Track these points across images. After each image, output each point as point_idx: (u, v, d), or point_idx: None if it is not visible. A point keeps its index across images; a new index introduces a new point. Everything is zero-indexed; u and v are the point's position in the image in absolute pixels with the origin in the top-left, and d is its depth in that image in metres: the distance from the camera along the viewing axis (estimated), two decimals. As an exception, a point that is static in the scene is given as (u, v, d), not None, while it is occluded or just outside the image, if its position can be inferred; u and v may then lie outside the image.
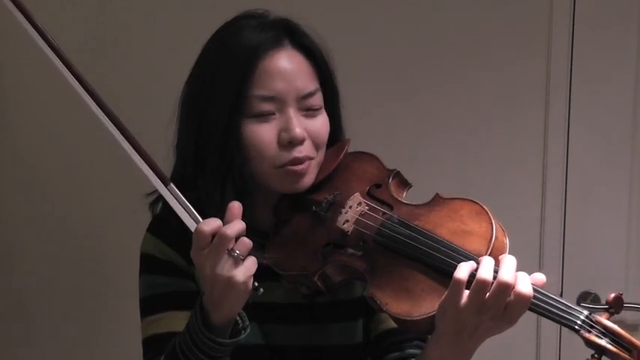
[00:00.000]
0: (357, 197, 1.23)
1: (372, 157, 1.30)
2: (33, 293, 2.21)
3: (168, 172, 1.28)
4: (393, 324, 1.14)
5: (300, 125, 1.20)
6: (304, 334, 1.27)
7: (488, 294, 1.02)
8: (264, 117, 1.19)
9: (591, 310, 1.05)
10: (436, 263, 1.09)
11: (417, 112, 1.98)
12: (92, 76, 2.20)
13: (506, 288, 1.02)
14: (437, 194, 1.20)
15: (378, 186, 1.25)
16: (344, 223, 1.20)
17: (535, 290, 1.04)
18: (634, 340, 1.01)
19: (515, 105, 1.95)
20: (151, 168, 1.11)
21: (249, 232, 1.20)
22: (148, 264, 1.27)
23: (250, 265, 1.08)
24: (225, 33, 1.25)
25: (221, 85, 1.20)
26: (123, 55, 2.07)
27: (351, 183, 1.27)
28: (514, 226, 1.89)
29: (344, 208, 1.22)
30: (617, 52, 1.89)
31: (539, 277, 1.07)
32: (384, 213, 1.19)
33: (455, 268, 1.05)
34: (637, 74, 1.89)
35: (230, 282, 1.06)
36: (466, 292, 1.03)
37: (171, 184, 1.11)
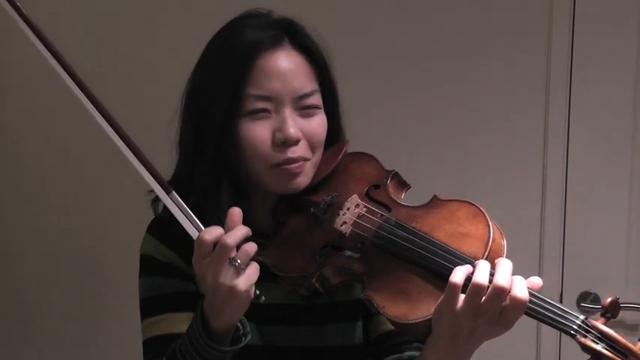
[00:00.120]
0: (354, 199, 1.23)
1: (371, 158, 1.30)
2: (33, 293, 2.21)
3: (170, 169, 1.29)
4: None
5: (294, 125, 1.19)
6: (303, 336, 1.27)
7: (484, 298, 1.02)
8: (259, 116, 1.20)
9: (587, 315, 1.04)
10: (433, 266, 1.09)
11: (416, 112, 1.98)
12: (93, 76, 2.20)
13: (501, 292, 1.02)
14: (434, 196, 1.20)
15: (376, 187, 1.25)
16: (342, 225, 1.20)
17: (531, 294, 1.04)
18: (630, 345, 1.01)
19: (515, 105, 1.95)
20: (153, 175, 1.11)
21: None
22: (148, 265, 1.27)
23: (252, 273, 1.08)
24: (227, 32, 1.25)
25: (219, 83, 1.20)
26: (123, 56, 2.07)
27: (350, 184, 1.26)
28: (514, 226, 1.91)
29: (342, 209, 1.22)
30: (617, 52, 1.88)
31: (536, 281, 1.07)
32: (381, 215, 1.19)
33: (451, 271, 1.04)
34: (637, 74, 1.89)
35: (232, 291, 1.06)
36: (462, 296, 1.03)
37: (173, 192, 1.10)
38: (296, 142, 1.20)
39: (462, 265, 1.05)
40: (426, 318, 1.06)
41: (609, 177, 1.92)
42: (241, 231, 1.08)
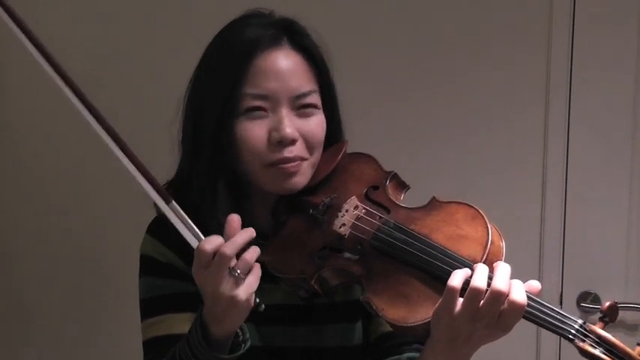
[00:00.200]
0: (353, 200, 1.23)
1: (370, 159, 1.30)
2: (33, 293, 2.21)
3: (172, 169, 1.29)
4: None
5: (291, 125, 1.19)
6: (302, 336, 1.27)
7: (482, 302, 1.02)
8: (256, 115, 1.19)
9: (587, 317, 1.04)
10: (431, 269, 1.09)
11: (416, 112, 1.98)
12: (93, 77, 2.20)
13: (499, 296, 1.02)
14: (433, 197, 1.20)
15: (375, 188, 1.25)
16: (340, 227, 1.20)
17: (529, 298, 1.04)
18: (628, 349, 1.01)
19: (515, 105, 1.95)
20: (152, 185, 1.10)
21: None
22: (147, 266, 1.27)
23: (252, 282, 1.07)
24: (228, 31, 1.26)
25: (217, 82, 1.20)
26: (124, 56, 2.07)
27: (349, 185, 1.26)
28: (514, 226, 1.93)
29: (340, 211, 1.22)
30: (617, 52, 1.88)
31: (534, 285, 1.07)
32: (380, 217, 1.18)
33: (450, 274, 1.04)
34: (637, 74, 1.89)
35: (232, 301, 1.06)
36: (460, 300, 1.03)
37: (173, 202, 1.09)
38: (292, 141, 1.20)
39: (460, 268, 1.05)
40: (425, 321, 1.06)
41: (609, 177, 1.92)
42: (241, 239, 1.07)
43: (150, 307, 1.25)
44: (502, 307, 1.02)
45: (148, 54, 2.04)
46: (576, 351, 1.03)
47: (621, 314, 1.91)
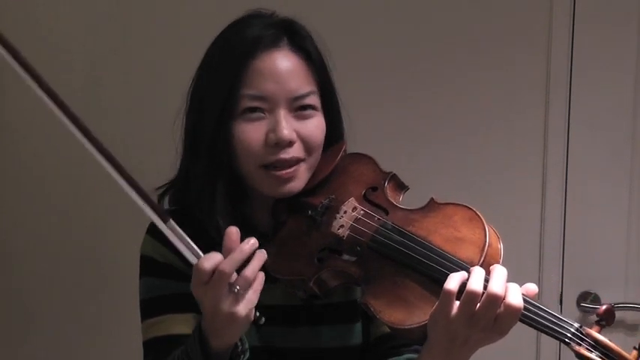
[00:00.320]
0: (352, 202, 1.23)
1: (369, 160, 1.29)
2: (33, 293, 2.21)
3: (171, 169, 1.29)
4: None
5: (288, 127, 1.19)
6: (302, 337, 1.27)
7: (478, 305, 1.02)
8: (253, 116, 1.20)
9: (583, 322, 1.05)
10: (429, 272, 1.09)
11: (416, 112, 1.97)
12: (93, 77, 2.20)
13: (496, 300, 1.01)
14: (432, 199, 1.20)
15: (374, 189, 1.24)
16: (339, 229, 1.20)
17: (526, 301, 1.04)
18: (624, 353, 1.01)
19: (515, 105, 1.95)
20: (149, 205, 1.08)
21: (248, 233, 1.20)
22: (147, 266, 1.27)
23: (253, 298, 1.06)
24: (229, 32, 1.26)
25: (216, 83, 1.21)
26: (124, 56, 2.06)
27: (348, 186, 1.26)
28: (514, 226, 1.93)
29: (339, 212, 1.22)
30: (617, 52, 1.88)
31: (531, 288, 1.07)
32: (378, 219, 1.18)
33: (447, 277, 1.04)
34: (637, 74, 1.89)
35: (232, 317, 1.04)
36: (457, 303, 1.03)
37: (170, 220, 1.08)
38: (289, 143, 1.19)
39: (457, 271, 1.05)
40: (422, 324, 1.06)
41: (609, 177, 1.92)
42: (240, 256, 1.05)
43: (150, 308, 1.25)
44: (498, 311, 1.02)
45: (147, 54, 2.04)
46: (576, 351, 1.03)
47: (621, 314, 1.93)
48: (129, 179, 1.08)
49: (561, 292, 1.96)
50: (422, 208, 1.19)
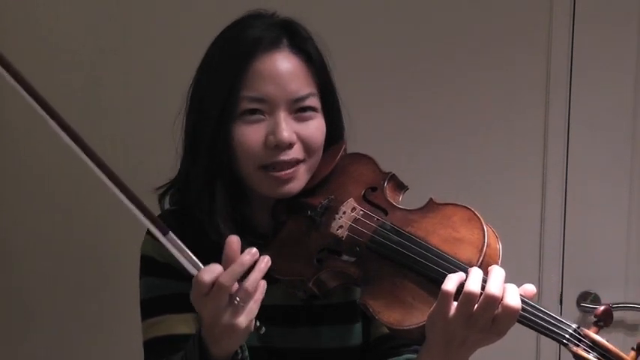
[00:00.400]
0: (351, 202, 1.23)
1: (369, 160, 1.29)
2: (33, 292, 2.21)
3: (171, 169, 1.29)
4: None
5: (288, 129, 1.19)
6: (301, 337, 1.27)
7: (476, 306, 1.02)
8: (253, 118, 1.20)
9: (585, 319, 1.05)
10: (427, 272, 1.09)
11: (416, 112, 1.97)
12: (93, 77, 2.20)
13: (493, 301, 1.01)
14: (431, 199, 1.20)
15: (373, 189, 1.24)
16: (338, 229, 1.20)
17: (524, 302, 1.04)
18: (622, 354, 1.01)
19: (515, 105, 1.94)
20: (148, 218, 1.07)
21: (248, 234, 1.21)
22: (147, 266, 1.27)
23: (253, 308, 1.05)
24: (229, 32, 1.26)
25: (216, 84, 1.21)
26: (124, 56, 2.07)
27: (347, 186, 1.26)
28: (514, 226, 1.93)
29: (338, 213, 1.22)
30: (617, 52, 1.88)
31: (529, 289, 1.07)
32: (377, 219, 1.18)
33: (445, 278, 1.04)
34: (637, 74, 1.89)
35: (232, 328, 1.04)
36: (455, 304, 1.03)
37: (170, 233, 1.07)
38: (289, 145, 1.20)
39: (455, 271, 1.05)
40: (420, 324, 1.06)
41: (609, 177, 1.92)
42: (240, 268, 1.04)
43: (150, 308, 1.25)
44: (496, 312, 1.02)
45: (147, 54, 2.04)
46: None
47: (621, 314, 1.93)
48: (128, 193, 1.08)
49: (561, 292, 1.96)
50: (421, 209, 1.19)
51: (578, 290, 1.95)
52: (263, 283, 1.07)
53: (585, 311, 1.92)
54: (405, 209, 1.20)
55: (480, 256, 1.08)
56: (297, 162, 1.21)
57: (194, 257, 1.07)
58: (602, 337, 1.03)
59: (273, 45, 1.21)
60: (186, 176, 1.26)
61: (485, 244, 1.08)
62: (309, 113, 1.22)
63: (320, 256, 1.20)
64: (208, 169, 1.22)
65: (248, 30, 1.22)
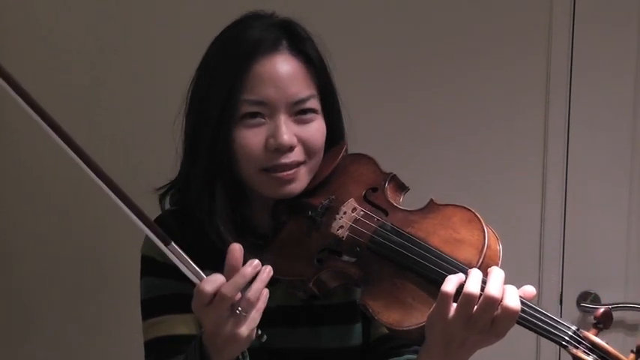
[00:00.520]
0: (351, 203, 1.23)
1: (369, 160, 1.29)
2: (33, 293, 2.21)
3: (171, 169, 1.29)
4: None
5: (288, 132, 1.19)
6: (302, 337, 1.27)
7: (475, 307, 1.02)
8: (254, 122, 1.19)
9: (585, 319, 1.04)
10: (427, 273, 1.09)
11: (416, 112, 1.97)
12: (93, 77, 2.19)
13: (493, 302, 1.01)
14: (431, 200, 1.19)
15: (374, 190, 1.24)
16: (338, 229, 1.20)
17: (523, 304, 1.04)
18: (621, 356, 1.01)
19: (515, 105, 1.94)
20: (150, 228, 1.07)
21: (248, 234, 1.21)
22: (148, 266, 1.27)
23: (255, 317, 1.05)
24: (229, 33, 1.26)
25: (216, 86, 1.20)
26: (124, 56, 2.06)
27: (348, 187, 1.26)
28: (514, 226, 1.92)
29: (338, 213, 1.22)
30: (617, 52, 1.88)
31: (529, 290, 1.06)
32: (377, 220, 1.18)
33: (444, 279, 1.04)
34: (637, 74, 1.89)
35: (234, 338, 1.04)
36: (454, 305, 1.02)
37: (172, 243, 1.07)
38: (290, 148, 1.19)
39: (455, 272, 1.05)
40: (419, 325, 1.06)
41: (609, 177, 1.92)
42: (242, 279, 1.03)
43: (150, 308, 1.25)
44: (495, 313, 1.02)
45: (147, 54, 2.04)
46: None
47: (621, 314, 1.93)
48: (130, 204, 1.07)
49: (561, 292, 1.96)
50: (421, 209, 1.19)
51: (578, 290, 1.95)
52: (265, 292, 1.06)
53: (585, 311, 1.92)
54: (405, 210, 1.20)
55: (480, 257, 1.08)
56: (297, 164, 1.21)
57: (196, 267, 1.06)
58: (601, 338, 1.03)
59: (273, 47, 1.21)
60: (187, 176, 1.26)
61: (486, 246, 1.08)
62: (309, 115, 1.22)
63: (320, 257, 1.19)
64: (208, 169, 1.22)
65: (248, 31, 1.22)
